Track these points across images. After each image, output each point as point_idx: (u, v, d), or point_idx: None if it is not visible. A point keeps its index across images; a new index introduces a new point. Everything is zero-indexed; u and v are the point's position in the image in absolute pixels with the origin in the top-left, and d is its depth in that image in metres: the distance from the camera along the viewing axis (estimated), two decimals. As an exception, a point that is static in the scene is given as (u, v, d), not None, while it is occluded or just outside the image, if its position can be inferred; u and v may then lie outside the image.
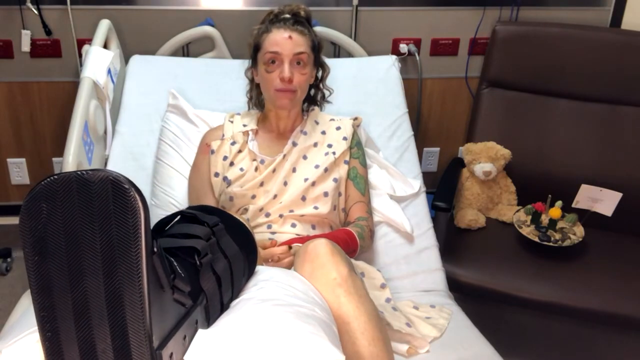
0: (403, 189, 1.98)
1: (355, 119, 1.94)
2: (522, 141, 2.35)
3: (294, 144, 1.80)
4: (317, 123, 1.87)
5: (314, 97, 1.90)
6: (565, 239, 2.03)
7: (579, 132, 2.33)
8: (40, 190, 0.84)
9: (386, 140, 2.09)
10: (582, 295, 1.91)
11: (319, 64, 1.84)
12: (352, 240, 1.68)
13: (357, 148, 1.87)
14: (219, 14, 2.42)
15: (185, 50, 2.45)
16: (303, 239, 1.63)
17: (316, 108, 1.90)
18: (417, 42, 2.57)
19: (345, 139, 1.84)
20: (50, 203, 0.84)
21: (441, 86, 2.68)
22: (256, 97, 1.88)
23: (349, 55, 2.46)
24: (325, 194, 1.75)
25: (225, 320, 1.07)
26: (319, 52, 1.81)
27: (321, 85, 1.89)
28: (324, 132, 1.85)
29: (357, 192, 1.82)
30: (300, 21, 1.75)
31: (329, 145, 1.82)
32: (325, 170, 1.77)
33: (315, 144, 1.82)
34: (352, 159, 1.84)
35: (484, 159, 2.27)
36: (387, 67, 2.22)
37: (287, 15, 1.75)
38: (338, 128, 1.86)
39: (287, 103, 1.73)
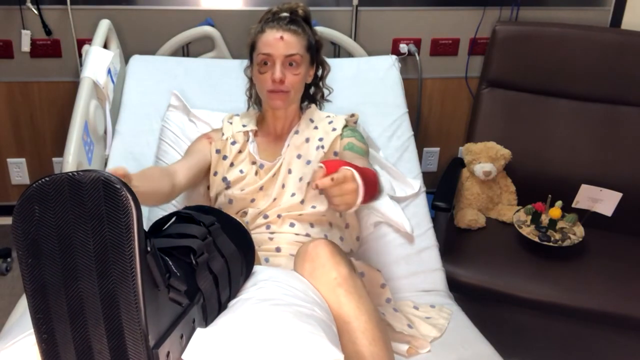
0: (403, 189, 1.97)
1: (352, 115, 1.92)
2: (522, 141, 2.35)
3: (289, 146, 1.79)
4: (311, 121, 1.84)
5: (314, 95, 1.89)
6: (565, 239, 2.02)
7: (579, 132, 2.33)
8: (32, 193, 0.84)
9: (386, 140, 2.09)
10: (582, 295, 1.91)
11: (318, 63, 1.82)
12: (377, 181, 1.48)
13: (350, 131, 1.79)
14: (219, 14, 2.42)
15: (185, 50, 2.45)
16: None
17: (312, 106, 1.87)
18: (417, 42, 2.57)
19: (334, 129, 1.79)
20: (43, 205, 0.84)
21: (441, 86, 2.68)
22: (255, 96, 1.87)
23: (349, 55, 2.46)
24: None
25: (223, 320, 1.07)
26: (318, 51, 1.79)
27: (321, 84, 1.88)
28: (316, 128, 1.81)
29: (354, 154, 1.69)
30: (296, 20, 1.71)
31: (320, 139, 1.78)
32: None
33: (307, 140, 1.78)
34: (344, 139, 1.76)
35: (484, 159, 2.27)
36: (387, 67, 2.22)
37: (284, 14, 1.72)
38: (330, 122, 1.82)
39: (279, 104, 1.71)
